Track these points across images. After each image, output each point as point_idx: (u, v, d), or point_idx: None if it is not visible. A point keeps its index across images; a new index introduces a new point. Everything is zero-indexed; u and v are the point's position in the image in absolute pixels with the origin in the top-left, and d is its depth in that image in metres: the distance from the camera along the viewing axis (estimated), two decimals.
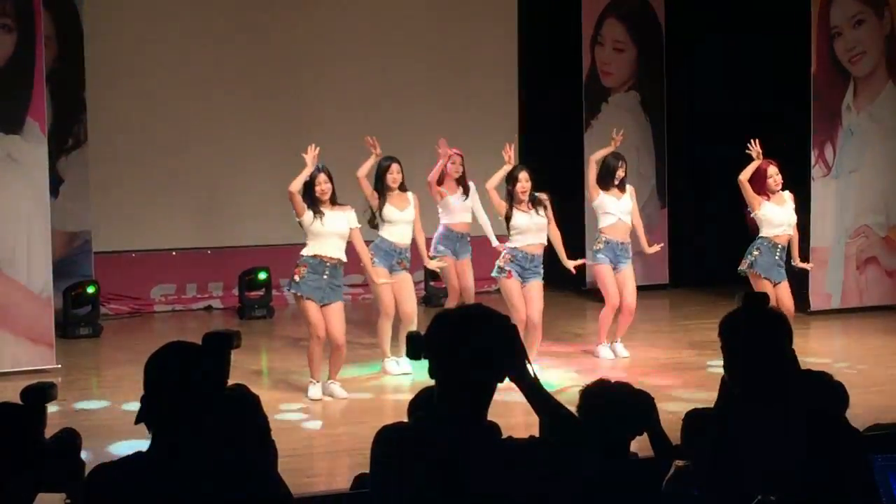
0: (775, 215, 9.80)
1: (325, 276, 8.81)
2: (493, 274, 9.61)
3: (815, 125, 11.98)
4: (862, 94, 12.24)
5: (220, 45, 13.01)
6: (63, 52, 12.07)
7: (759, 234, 9.88)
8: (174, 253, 13.02)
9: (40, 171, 9.87)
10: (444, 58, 13.82)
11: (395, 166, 9.68)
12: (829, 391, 4.20)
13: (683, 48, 13.75)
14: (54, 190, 11.18)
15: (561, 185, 11.89)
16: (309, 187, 8.83)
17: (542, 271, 9.48)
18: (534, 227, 9.40)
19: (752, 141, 9.83)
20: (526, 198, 9.41)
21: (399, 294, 9.71)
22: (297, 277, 8.84)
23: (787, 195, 9.94)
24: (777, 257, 9.85)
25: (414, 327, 9.40)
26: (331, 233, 8.80)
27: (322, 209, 8.82)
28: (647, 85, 13.86)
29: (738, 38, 13.29)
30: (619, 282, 10.11)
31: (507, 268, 9.43)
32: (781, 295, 9.82)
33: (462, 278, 10.40)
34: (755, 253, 9.84)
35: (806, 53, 11.97)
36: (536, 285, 9.45)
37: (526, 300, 9.43)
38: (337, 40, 13.41)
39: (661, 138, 13.95)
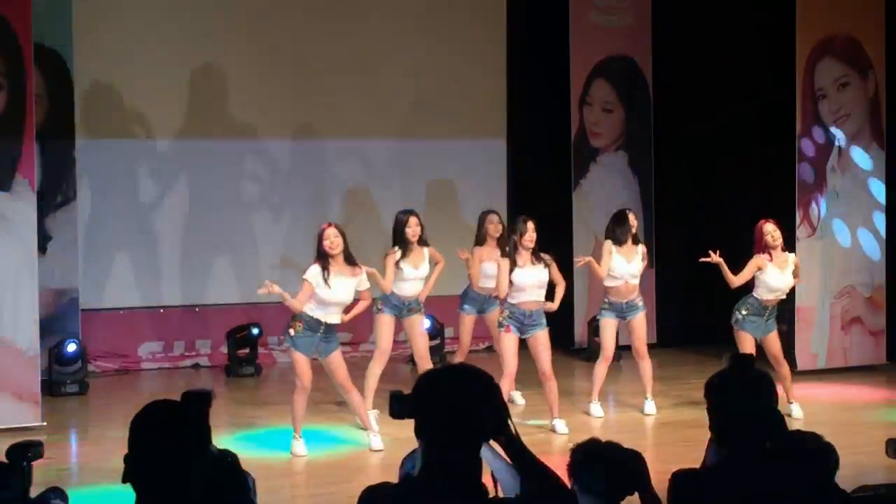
0: (774, 281, 9.88)
1: (319, 333, 8.79)
2: (498, 327, 9.65)
3: (801, 186, 12.05)
4: (846, 156, 12.33)
5: (209, 104, 13.08)
6: (53, 109, 12.11)
7: (753, 293, 9.94)
8: (161, 310, 13.00)
9: (29, 229, 9.86)
10: (432, 117, 13.89)
11: (413, 219, 9.60)
12: (819, 452, 4.19)
13: (671, 109, 13.85)
14: (42, 247, 11.18)
15: (549, 244, 11.91)
16: (317, 243, 8.81)
17: (544, 321, 9.48)
18: (536, 284, 9.37)
19: (709, 252, 9.89)
20: (531, 246, 9.35)
21: (409, 333, 9.81)
22: (292, 332, 8.80)
23: (791, 258, 10.02)
24: (765, 317, 9.94)
25: (428, 366, 9.42)
26: (334, 302, 8.75)
27: (331, 268, 8.72)
28: (636, 145, 13.94)
29: (725, 99, 13.39)
30: (629, 330, 10.24)
31: (505, 322, 9.46)
32: (769, 344, 9.96)
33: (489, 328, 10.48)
34: (744, 312, 9.92)
35: (791, 115, 12.07)
36: (542, 336, 9.44)
37: (534, 354, 9.47)
38: (326, 101, 13.47)
39: (648, 198, 14.01)
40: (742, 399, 3.58)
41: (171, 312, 13.01)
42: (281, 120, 13.36)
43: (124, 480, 3.02)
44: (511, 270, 9.36)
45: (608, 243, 10.26)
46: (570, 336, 13.52)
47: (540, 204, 13.54)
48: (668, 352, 13.43)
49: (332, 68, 13.46)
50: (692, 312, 13.65)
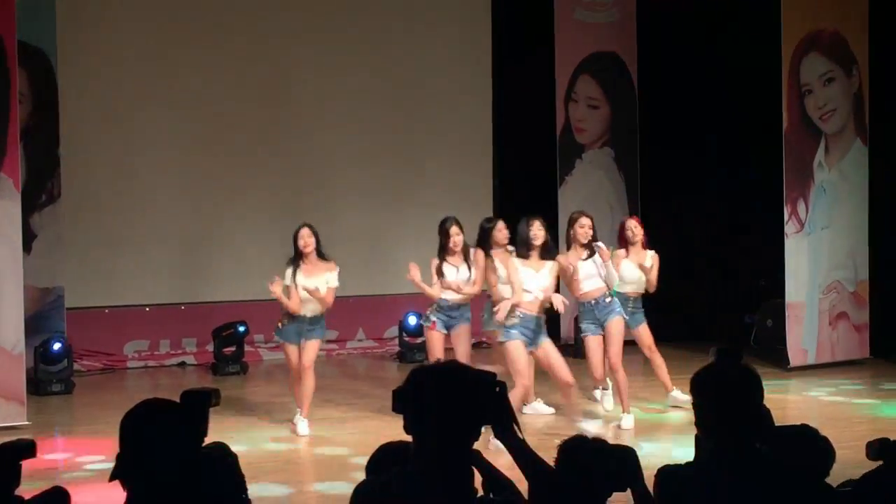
0: (626, 273, 9.88)
1: (304, 323, 9.41)
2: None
3: (788, 182, 12.05)
4: (833, 152, 12.34)
5: (193, 102, 13.06)
6: (37, 108, 12.07)
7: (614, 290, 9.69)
8: (147, 309, 12.98)
9: (14, 228, 9.83)
10: (418, 113, 13.89)
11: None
12: (813, 446, 4.19)
13: (657, 105, 13.86)
14: (27, 246, 11.14)
15: None
16: (293, 242, 9.36)
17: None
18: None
19: None
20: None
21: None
22: (279, 325, 9.50)
23: (650, 255, 10.02)
24: (630, 308, 9.93)
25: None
26: (303, 298, 9.32)
27: (302, 265, 9.29)
28: (621, 141, 13.95)
29: (710, 95, 13.41)
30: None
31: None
32: (640, 336, 10.16)
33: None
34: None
35: (777, 111, 12.08)
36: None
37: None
38: (311, 100, 13.47)
39: (634, 194, 14.02)
40: (727, 393, 3.58)
41: (156, 311, 12.98)
42: (265, 121, 13.35)
43: (112, 478, 3.00)
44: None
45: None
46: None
47: (525, 200, 13.56)
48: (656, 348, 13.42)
49: (318, 69, 13.46)
50: (678, 309, 13.66)
